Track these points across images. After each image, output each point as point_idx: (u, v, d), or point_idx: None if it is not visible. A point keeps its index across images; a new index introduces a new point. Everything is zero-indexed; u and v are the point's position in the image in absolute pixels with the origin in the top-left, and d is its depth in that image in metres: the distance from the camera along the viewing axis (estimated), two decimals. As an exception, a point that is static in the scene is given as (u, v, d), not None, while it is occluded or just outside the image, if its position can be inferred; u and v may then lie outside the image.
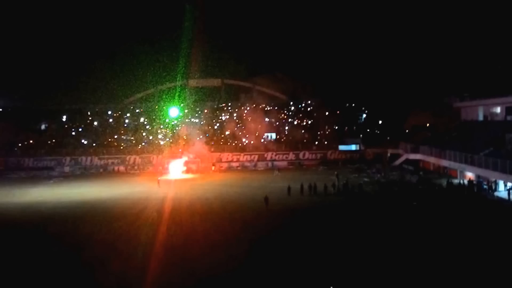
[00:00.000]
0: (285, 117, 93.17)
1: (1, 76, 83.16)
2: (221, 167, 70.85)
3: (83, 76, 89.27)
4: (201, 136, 74.64)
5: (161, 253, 26.78)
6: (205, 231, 31.86)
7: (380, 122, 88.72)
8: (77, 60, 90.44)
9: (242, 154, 75.16)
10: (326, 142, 79.84)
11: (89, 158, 73.67)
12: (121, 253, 26.92)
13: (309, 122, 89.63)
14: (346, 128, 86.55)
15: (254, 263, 24.79)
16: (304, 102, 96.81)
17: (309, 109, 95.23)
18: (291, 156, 75.16)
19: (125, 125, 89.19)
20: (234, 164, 73.42)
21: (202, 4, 79.02)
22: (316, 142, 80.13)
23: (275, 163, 72.83)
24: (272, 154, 75.22)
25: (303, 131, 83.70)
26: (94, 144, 78.42)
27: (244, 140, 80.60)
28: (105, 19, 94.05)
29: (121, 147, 78.06)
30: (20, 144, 76.97)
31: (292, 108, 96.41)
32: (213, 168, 67.99)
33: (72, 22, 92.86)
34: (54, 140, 79.83)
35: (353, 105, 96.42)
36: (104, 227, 33.49)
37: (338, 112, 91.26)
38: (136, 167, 71.96)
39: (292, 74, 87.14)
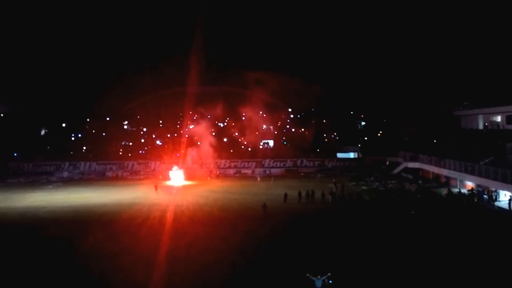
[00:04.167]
0: (283, 124, 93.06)
1: (2, 82, 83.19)
2: (218, 174, 70.61)
3: (82, 82, 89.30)
4: (199, 143, 74.49)
5: (164, 263, 26.45)
6: (207, 239, 31.58)
7: (379, 130, 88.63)
8: (77, 66, 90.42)
9: (239, 161, 75.04)
10: (324, 150, 79.62)
11: (87, 163, 73.63)
12: (122, 263, 26.50)
13: (307, 129, 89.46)
14: (345, 135, 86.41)
15: (255, 270, 24.63)
16: (302, 109, 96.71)
17: (307, 116, 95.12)
18: (289, 163, 74.93)
19: (124, 131, 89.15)
20: (232, 171, 73.24)
21: (202, 10, 78.94)
22: (315, 150, 79.93)
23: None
24: (270, 161, 75.05)
25: (301, 138, 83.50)
26: (92, 150, 78.36)
27: (242, 147, 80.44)
28: (104, 25, 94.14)
29: (120, 153, 77.99)
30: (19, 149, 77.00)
31: (291, 115, 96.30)
32: (208, 178, 67.63)
33: (73, 28, 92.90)
34: (53, 146, 79.81)
35: (352, 112, 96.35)
36: (104, 234, 33.21)
37: (336, 119, 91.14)
38: (134, 173, 71.81)
39: (291, 81, 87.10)
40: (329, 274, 21.27)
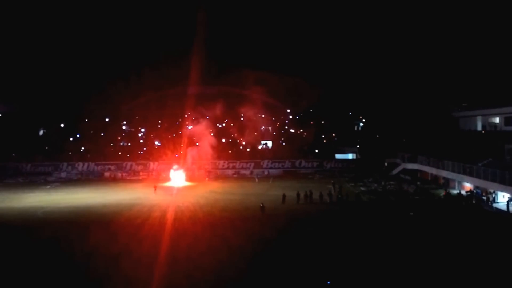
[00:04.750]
0: (282, 125, 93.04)
1: (0, 81, 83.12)
2: (217, 175, 70.46)
3: (81, 82, 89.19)
4: (197, 144, 74.40)
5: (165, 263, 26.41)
6: (207, 240, 31.51)
7: (377, 131, 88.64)
8: (76, 66, 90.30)
9: (238, 161, 74.90)
10: (323, 151, 79.61)
11: (86, 164, 73.43)
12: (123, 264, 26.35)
13: (306, 130, 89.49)
14: (343, 137, 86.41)
15: (257, 271, 24.65)
16: (301, 110, 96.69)
17: (306, 117, 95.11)
18: (287, 164, 74.81)
19: (123, 131, 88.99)
20: (230, 172, 73.17)
21: (201, 10, 78.95)
22: (313, 151, 79.90)
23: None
24: (268, 162, 74.93)
25: (299, 139, 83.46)
26: (91, 150, 78.24)
27: (241, 147, 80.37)
28: (103, 25, 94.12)
29: (119, 153, 77.90)
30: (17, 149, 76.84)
31: (290, 116, 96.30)
32: (207, 179, 67.30)
33: (71, 28, 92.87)
34: (51, 146, 79.67)
35: (350, 113, 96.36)
36: (104, 234, 33.09)
37: (335, 120, 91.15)
38: (133, 174, 71.73)
39: (290, 82, 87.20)
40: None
